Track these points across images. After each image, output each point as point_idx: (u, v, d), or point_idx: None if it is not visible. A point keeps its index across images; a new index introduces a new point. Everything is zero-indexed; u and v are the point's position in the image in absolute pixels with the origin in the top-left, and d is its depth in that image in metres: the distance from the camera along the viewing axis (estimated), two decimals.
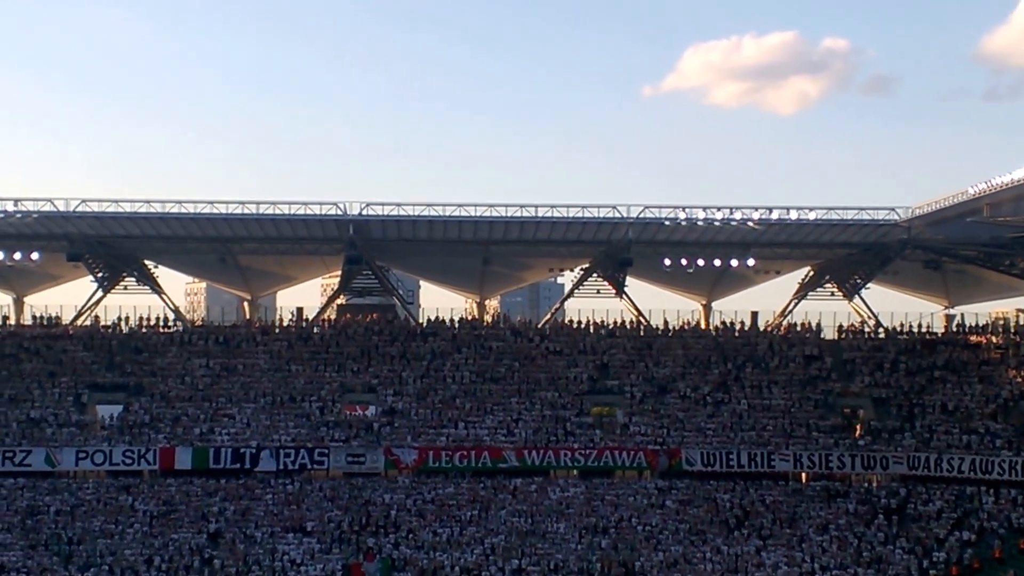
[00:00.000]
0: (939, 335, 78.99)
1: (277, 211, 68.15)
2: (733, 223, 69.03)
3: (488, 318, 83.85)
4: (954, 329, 79.71)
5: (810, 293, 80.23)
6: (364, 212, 68.44)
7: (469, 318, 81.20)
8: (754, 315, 79.59)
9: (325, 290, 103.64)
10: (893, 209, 68.93)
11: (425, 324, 77.90)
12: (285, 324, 77.73)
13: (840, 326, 78.68)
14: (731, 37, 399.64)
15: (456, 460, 67.03)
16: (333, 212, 68.31)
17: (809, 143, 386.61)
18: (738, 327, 78.80)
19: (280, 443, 66.90)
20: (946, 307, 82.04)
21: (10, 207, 66.56)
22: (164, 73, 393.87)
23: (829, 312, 79.46)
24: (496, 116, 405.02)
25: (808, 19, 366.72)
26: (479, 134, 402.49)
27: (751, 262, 74.71)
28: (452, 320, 78.09)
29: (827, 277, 79.10)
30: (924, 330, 78.97)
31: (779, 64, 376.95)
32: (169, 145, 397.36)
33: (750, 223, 68.79)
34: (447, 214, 68.62)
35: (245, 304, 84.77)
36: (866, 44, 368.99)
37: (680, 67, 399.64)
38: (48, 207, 66.83)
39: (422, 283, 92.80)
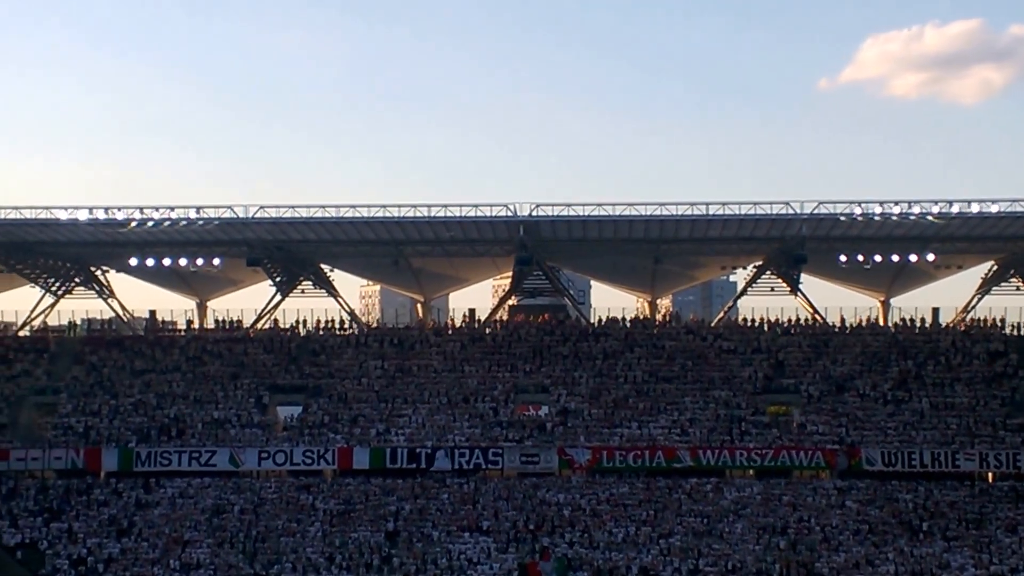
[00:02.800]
0: None
1: (448, 213, 68.71)
2: (911, 217, 67.09)
3: (660, 317, 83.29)
4: None
5: (994, 288, 77.66)
6: (534, 213, 68.50)
7: (641, 317, 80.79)
8: (935, 311, 77.49)
9: (496, 291, 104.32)
10: None
11: (597, 324, 77.75)
12: (458, 325, 78.47)
13: None
14: (912, 27, 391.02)
15: (630, 460, 66.67)
16: (503, 213, 68.50)
17: (992, 133, 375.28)
18: (918, 323, 76.70)
19: (455, 443, 67.51)
20: None
21: (192, 215, 68.41)
22: (334, 84, 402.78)
23: (1015, 307, 76.90)
24: (667, 112, 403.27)
25: (993, 6, 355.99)
26: (650, 131, 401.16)
27: (931, 257, 72.60)
28: (624, 319, 77.75)
29: (1012, 271, 76.38)
30: None
31: (962, 53, 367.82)
32: (342, 152, 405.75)
33: (929, 217, 66.80)
34: (617, 213, 68.21)
35: (418, 306, 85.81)
36: None
37: (858, 58, 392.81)
38: (228, 214, 68.45)
39: (593, 283, 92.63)
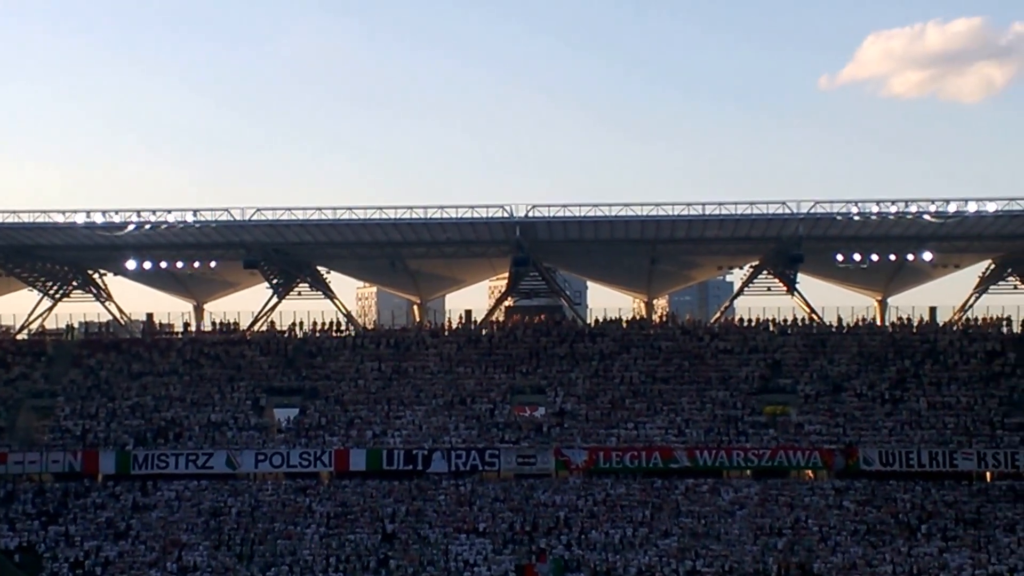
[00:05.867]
0: None
1: (444, 215, 68.65)
2: (908, 216, 67.04)
3: (657, 317, 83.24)
4: None
5: (991, 287, 77.49)
6: (530, 214, 68.40)
7: (637, 318, 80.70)
8: (932, 310, 77.39)
9: (493, 292, 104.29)
10: None
11: (593, 324, 77.71)
12: (454, 327, 78.48)
13: None
14: (914, 24, 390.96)
15: (627, 461, 66.67)
16: (499, 215, 68.45)
17: (993, 132, 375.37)
18: (915, 323, 76.65)
19: (451, 444, 67.51)
20: None
21: (189, 217, 68.36)
22: (330, 86, 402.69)
23: (1012, 306, 76.80)
24: (664, 112, 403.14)
25: (996, 3, 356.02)
26: (646, 131, 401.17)
27: (928, 256, 72.37)
28: (620, 320, 77.71)
29: (1009, 270, 76.25)
30: None
31: (964, 51, 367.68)
32: (338, 154, 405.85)
33: (926, 216, 66.75)
34: (613, 214, 68.09)
35: (415, 307, 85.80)
36: None
37: (859, 56, 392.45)
38: (225, 217, 68.40)
39: (589, 283, 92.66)
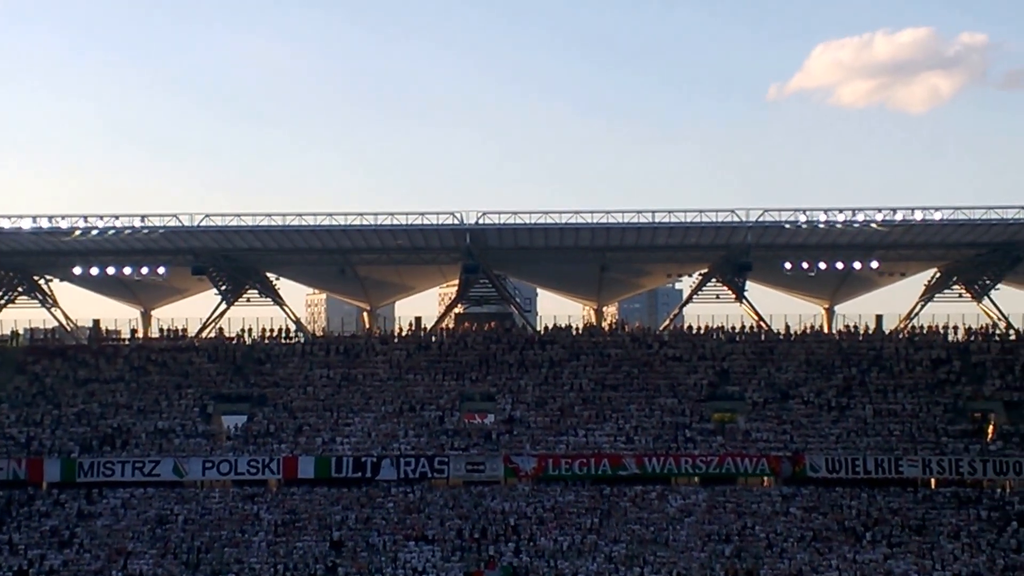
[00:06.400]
0: None
1: (394, 221, 68.62)
2: (855, 225, 67.72)
3: (606, 325, 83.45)
4: None
5: (937, 295, 78.36)
6: (480, 221, 68.52)
7: (587, 325, 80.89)
8: (878, 318, 78.09)
9: (443, 299, 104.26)
10: (1023, 208, 67.00)
11: (543, 332, 77.85)
12: (404, 334, 78.30)
13: (969, 328, 76.83)
14: (863, 34, 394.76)
15: (576, 468, 66.77)
16: (450, 221, 68.55)
17: (939, 141, 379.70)
18: (862, 331, 77.31)
19: (400, 451, 67.35)
20: None
21: (137, 223, 67.98)
22: (280, 92, 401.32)
23: (957, 314, 77.93)
24: (614, 120, 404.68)
25: (945, 14, 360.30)
26: (597, 138, 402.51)
27: (874, 264, 73.17)
28: (570, 327, 77.89)
29: (955, 278, 77.17)
30: None
31: (911, 61, 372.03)
32: (288, 158, 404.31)
33: (873, 225, 67.43)
34: (564, 221, 68.39)
35: (364, 314, 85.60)
36: (1005, 38, 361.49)
37: (808, 66, 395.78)
38: (173, 222, 68.15)
39: (539, 291, 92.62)
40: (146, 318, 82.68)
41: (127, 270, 73.65)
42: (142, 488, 66.22)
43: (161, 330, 79.43)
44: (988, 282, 75.88)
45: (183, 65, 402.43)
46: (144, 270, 73.63)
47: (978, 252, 73.31)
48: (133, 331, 79.75)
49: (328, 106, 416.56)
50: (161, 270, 73.70)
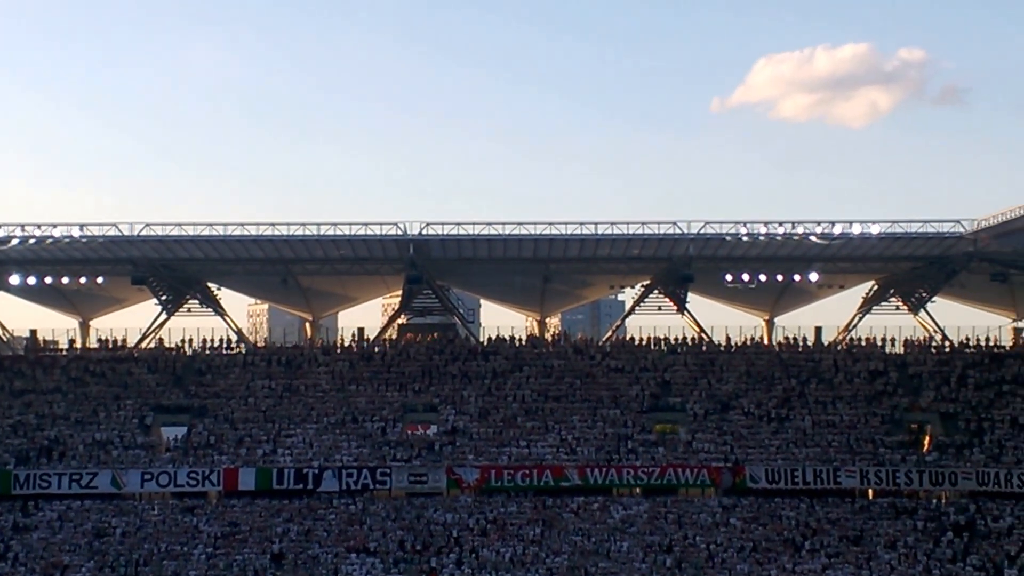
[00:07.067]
0: (1007, 348, 77.88)
1: (337, 232, 68.46)
2: (795, 238, 68.43)
3: (549, 336, 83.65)
4: (1023, 342, 78.38)
5: (874, 307, 79.31)
6: (424, 232, 68.60)
7: (530, 336, 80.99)
8: (818, 330, 78.79)
9: (386, 310, 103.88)
10: (958, 221, 68.14)
11: (486, 343, 77.90)
12: (346, 344, 78.02)
13: (906, 340, 77.74)
14: (804, 49, 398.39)
15: (518, 479, 66.81)
16: (393, 232, 68.51)
17: (878, 156, 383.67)
18: (801, 343, 78.04)
19: (342, 463, 67.06)
20: (1014, 320, 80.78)
21: (76, 232, 67.36)
22: (221, 101, 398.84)
23: (894, 326, 78.82)
24: (558, 132, 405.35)
25: (884, 30, 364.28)
26: (539, 151, 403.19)
27: (814, 277, 73.89)
28: (513, 338, 78.04)
29: (892, 291, 78.15)
30: (992, 344, 77.90)
31: (851, 76, 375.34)
32: (229, 169, 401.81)
33: (812, 238, 68.17)
34: (507, 232, 68.50)
35: (307, 325, 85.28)
36: (942, 54, 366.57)
37: (750, 80, 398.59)
38: (113, 231, 67.60)
39: (483, 302, 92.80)
40: (84, 328, 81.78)
41: (65, 279, 72.96)
42: (79, 501, 65.40)
43: (100, 340, 78.57)
44: (924, 295, 76.88)
45: (116, 77, 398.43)
46: (83, 279, 73.00)
47: (915, 265, 74.27)
48: (71, 341, 78.92)
49: (270, 116, 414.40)
50: (100, 280, 73.26)
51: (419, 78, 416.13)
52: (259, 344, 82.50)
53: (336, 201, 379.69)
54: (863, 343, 77.91)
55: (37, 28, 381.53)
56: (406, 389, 72.92)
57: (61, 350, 77.76)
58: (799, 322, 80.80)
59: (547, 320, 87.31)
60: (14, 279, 72.80)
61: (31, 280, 72.56)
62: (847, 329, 79.18)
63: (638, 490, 67.40)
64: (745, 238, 68.72)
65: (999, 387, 72.89)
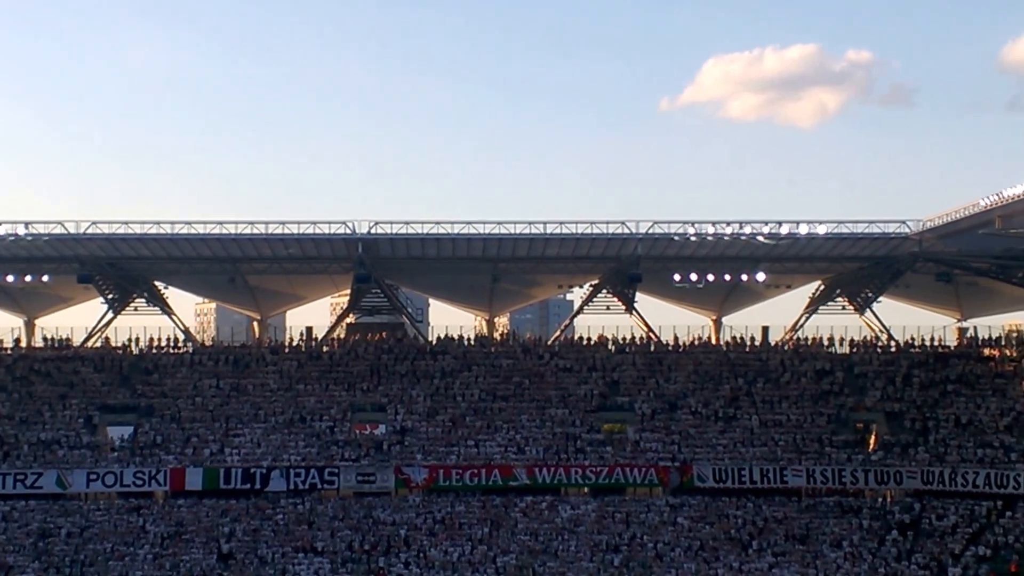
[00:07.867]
0: (952, 348, 78.70)
1: (285, 230, 68.22)
2: (742, 238, 68.85)
3: (498, 335, 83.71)
4: (967, 342, 79.34)
5: (821, 307, 79.87)
6: (373, 230, 68.46)
7: (479, 336, 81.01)
8: (765, 330, 79.30)
9: (334, 309, 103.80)
10: (904, 222, 68.75)
11: (435, 342, 77.80)
12: (295, 344, 77.67)
13: (852, 340, 78.43)
14: (753, 49, 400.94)
15: (466, 478, 66.82)
16: (341, 231, 68.32)
17: (825, 156, 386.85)
18: (749, 342, 78.52)
19: (290, 463, 66.82)
20: (959, 320, 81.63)
21: (21, 230, 66.69)
22: (169, 100, 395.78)
23: (840, 326, 79.47)
24: (506, 131, 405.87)
25: (832, 31, 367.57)
26: (487, 150, 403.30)
27: (761, 277, 74.30)
28: (462, 338, 78.01)
29: (838, 291, 78.76)
30: (937, 343, 78.67)
31: (799, 76, 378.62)
32: (177, 166, 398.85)
33: (759, 238, 68.61)
34: (455, 232, 68.54)
35: (255, 324, 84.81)
36: (890, 55, 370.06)
37: (699, 79, 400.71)
38: (58, 229, 67.00)
39: (431, 301, 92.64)
40: (30, 327, 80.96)
41: (10, 278, 72.17)
42: (24, 501, 64.76)
43: (45, 339, 77.77)
44: (870, 295, 77.58)
45: (67, 75, 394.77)
46: (28, 278, 72.24)
47: (861, 266, 74.92)
48: (16, 340, 78.01)
49: (218, 113, 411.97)
50: (45, 278, 72.49)
51: (368, 78, 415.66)
52: (206, 343, 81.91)
53: (285, 200, 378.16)
54: (810, 343, 78.52)
55: None
56: (354, 388, 72.73)
57: (6, 349, 76.79)
58: (747, 322, 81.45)
59: (496, 319, 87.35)
60: None
61: None
62: (794, 329, 79.78)
63: (586, 489, 67.62)
64: (693, 238, 69.05)
65: (944, 387, 73.70)
